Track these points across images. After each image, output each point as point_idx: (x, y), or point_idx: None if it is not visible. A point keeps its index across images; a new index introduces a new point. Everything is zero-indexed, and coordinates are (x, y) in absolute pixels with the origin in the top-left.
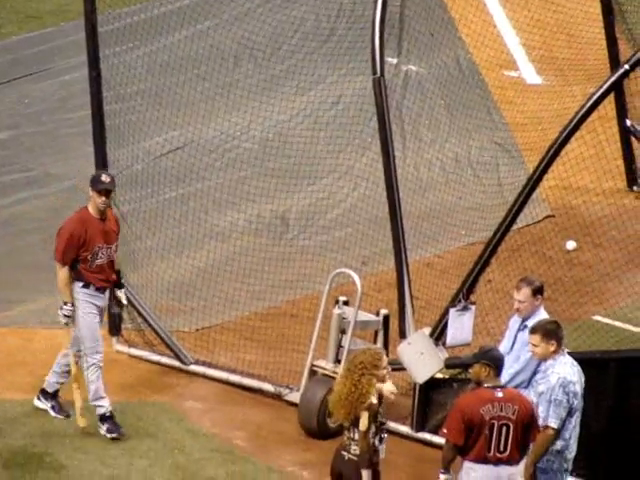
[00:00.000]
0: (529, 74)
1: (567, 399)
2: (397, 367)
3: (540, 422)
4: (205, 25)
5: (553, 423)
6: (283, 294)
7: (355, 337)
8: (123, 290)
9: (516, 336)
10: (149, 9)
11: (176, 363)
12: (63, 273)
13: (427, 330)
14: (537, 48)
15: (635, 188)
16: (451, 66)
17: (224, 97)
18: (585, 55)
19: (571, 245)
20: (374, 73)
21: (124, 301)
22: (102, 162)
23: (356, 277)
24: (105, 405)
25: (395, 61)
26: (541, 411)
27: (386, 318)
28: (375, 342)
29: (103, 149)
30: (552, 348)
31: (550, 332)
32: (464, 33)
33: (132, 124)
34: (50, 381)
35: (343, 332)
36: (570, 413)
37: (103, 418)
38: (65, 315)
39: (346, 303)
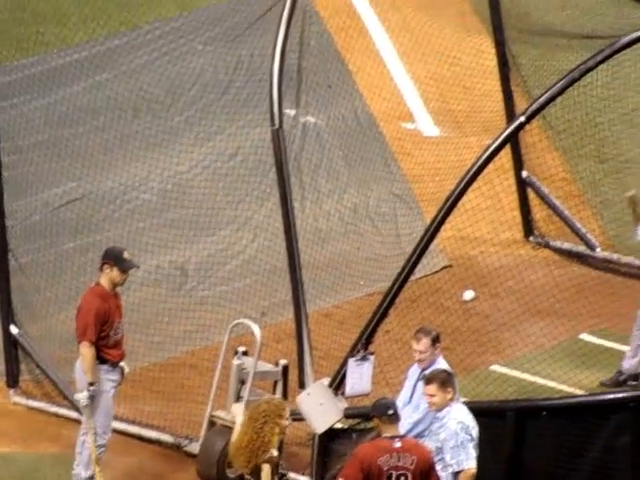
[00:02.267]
0: (426, 126)
1: (471, 438)
2: (297, 417)
3: (455, 468)
4: (103, 77)
5: (471, 463)
6: (182, 345)
7: (254, 387)
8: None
9: (415, 386)
10: (47, 61)
11: (74, 414)
12: (91, 352)
13: (326, 380)
14: (434, 100)
15: (531, 239)
16: (349, 118)
17: (123, 148)
18: (481, 107)
19: (469, 295)
20: (272, 124)
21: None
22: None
23: (255, 328)
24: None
25: (293, 113)
26: (450, 458)
27: (285, 368)
28: (274, 392)
29: (1, 200)
30: (449, 396)
31: (446, 381)
32: (362, 85)
33: (30, 175)
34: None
35: (242, 382)
36: None
37: None
38: (91, 396)
39: (245, 353)
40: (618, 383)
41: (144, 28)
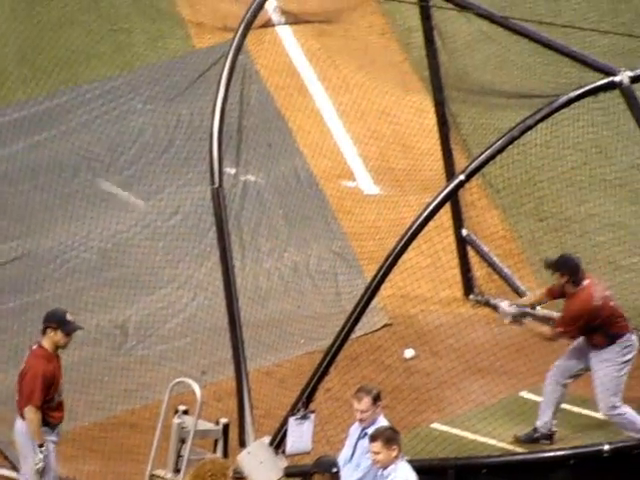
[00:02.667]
0: (366, 184)
1: None
2: (238, 476)
3: None
4: (43, 136)
5: None
6: (122, 404)
7: (195, 446)
8: None
9: (356, 444)
10: None
11: (14, 474)
12: (38, 416)
13: (267, 439)
14: (374, 159)
15: (471, 297)
16: (289, 176)
17: (62, 207)
18: (421, 165)
19: (409, 353)
20: (212, 183)
21: None
22: None
23: (196, 386)
24: None
25: (233, 171)
26: None
27: (226, 427)
28: (215, 451)
29: None
30: (394, 454)
31: (391, 438)
32: (302, 144)
33: None
34: None
35: (183, 441)
36: None
37: None
38: (45, 457)
39: (186, 412)
40: (533, 440)
41: (84, 87)
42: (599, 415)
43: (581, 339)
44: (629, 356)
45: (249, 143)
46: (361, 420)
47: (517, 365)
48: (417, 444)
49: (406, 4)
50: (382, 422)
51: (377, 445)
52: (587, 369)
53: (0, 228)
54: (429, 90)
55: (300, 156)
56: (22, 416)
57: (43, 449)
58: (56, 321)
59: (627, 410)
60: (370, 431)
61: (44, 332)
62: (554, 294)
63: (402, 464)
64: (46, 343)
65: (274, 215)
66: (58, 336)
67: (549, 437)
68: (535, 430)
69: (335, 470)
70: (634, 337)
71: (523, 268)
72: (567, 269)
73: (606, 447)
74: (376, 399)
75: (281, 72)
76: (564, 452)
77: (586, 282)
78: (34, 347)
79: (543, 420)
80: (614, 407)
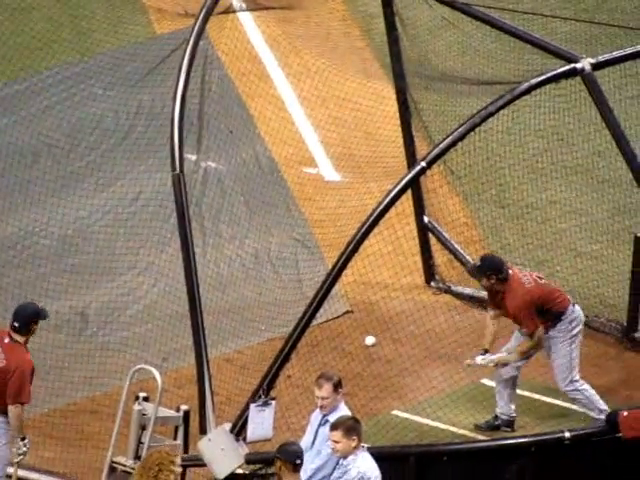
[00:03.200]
0: (327, 171)
1: None
2: (198, 463)
3: None
4: (3, 122)
5: None
6: (83, 390)
7: (155, 433)
8: None
9: (317, 431)
10: None
11: None
12: (22, 411)
13: (227, 426)
14: (335, 145)
15: (433, 284)
16: (250, 163)
17: (23, 193)
18: (383, 152)
19: (370, 340)
20: (173, 170)
21: None
22: None
23: (156, 373)
24: None
25: (194, 158)
26: None
27: (186, 414)
28: (175, 438)
29: None
30: (354, 444)
31: (351, 428)
32: (263, 130)
33: None
34: None
35: (143, 428)
36: None
37: None
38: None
39: (146, 399)
40: (493, 427)
41: (44, 73)
42: (560, 402)
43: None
44: (577, 329)
45: (210, 129)
46: (322, 407)
47: (478, 352)
48: (378, 431)
49: None
50: (343, 409)
51: (337, 434)
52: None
53: None
54: (390, 77)
55: (261, 143)
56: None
57: (26, 441)
58: (37, 316)
59: (586, 387)
60: (331, 418)
61: (30, 330)
62: (495, 304)
63: (363, 454)
64: (23, 338)
65: (235, 202)
66: (35, 328)
67: (510, 424)
68: (496, 417)
69: (299, 462)
70: (577, 308)
71: None
72: (491, 269)
73: (567, 434)
74: (337, 386)
75: (242, 58)
76: (525, 439)
77: (510, 273)
78: (7, 341)
79: (501, 406)
80: (572, 382)
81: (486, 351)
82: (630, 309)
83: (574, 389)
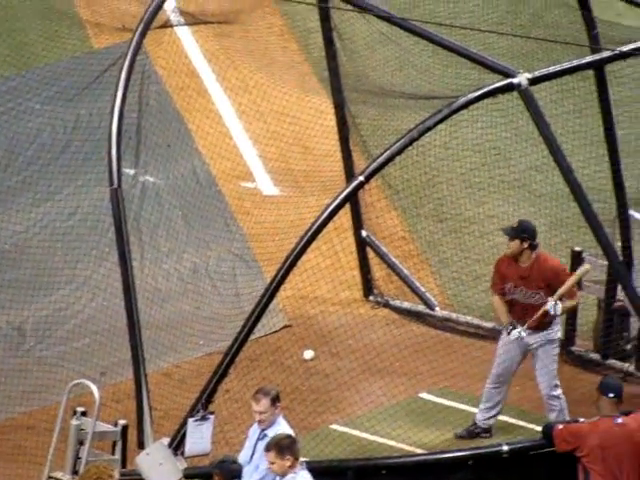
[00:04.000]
0: (266, 185)
1: None
2: (136, 478)
3: None
4: None
5: None
6: (20, 405)
7: (93, 448)
8: None
9: (255, 446)
10: None
11: None
12: None
13: (166, 440)
14: (273, 160)
15: (371, 298)
16: (188, 177)
17: None
18: (321, 167)
19: (309, 354)
20: (111, 184)
21: None
22: None
23: (94, 388)
24: None
25: (132, 172)
26: None
27: (124, 429)
28: (113, 453)
29: None
30: (288, 463)
31: (284, 448)
32: (201, 145)
33: None
34: None
35: (81, 443)
36: None
37: None
38: None
39: (84, 414)
40: (472, 434)
41: None
42: (499, 417)
43: (511, 336)
44: (560, 333)
45: (148, 144)
46: (260, 421)
47: (416, 366)
48: (316, 445)
49: (305, 5)
50: (281, 423)
51: (271, 455)
52: (521, 362)
53: None
54: (329, 91)
55: (199, 157)
56: None
57: None
58: None
59: (563, 397)
60: (269, 432)
61: None
62: (501, 289)
63: (302, 473)
64: None
65: (173, 216)
66: None
67: (488, 430)
68: (474, 425)
69: (237, 477)
70: None
71: (422, 269)
72: (528, 233)
73: (505, 448)
74: (275, 400)
75: (180, 73)
76: (463, 453)
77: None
78: None
79: (483, 415)
80: (556, 386)
81: (512, 325)
82: (568, 323)
83: (556, 395)
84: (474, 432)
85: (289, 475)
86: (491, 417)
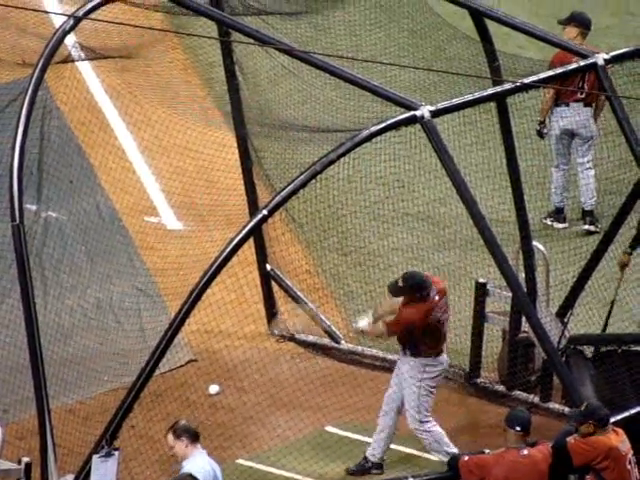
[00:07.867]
0: (169, 220)
1: None
2: None
3: None
4: None
5: None
6: None
7: None
8: None
9: None
10: None
11: None
12: None
13: (70, 477)
14: (177, 194)
15: (276, 332)
16: (91, 212)
17: None
18: (225, 201)
19: (214, 389)
20: (13, 220)
21: None
22: None
23: None
24: None
25: (34, 208)
26: None
27: (28, 466)
28: None
29: None
30: None
31: None
32: (104, 180)
33: None
34: None
35: None
36: None
37: None
38: None
39: None
40: (364, 470)
41: None
42: (405, 449)
43: (402, 361)
44: (428, 375)
45: (50, 179)
46: (172, 456)
47: (322, 399)
48: None
49: (207, 39)
50: (198, 457)
51: None
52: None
53: None
54: (231, 125)
55: (102, 192)
56: None
57: None
58: None
59: (436, 429)
60: (185, 465)
61: None
62: None
63: None
64: None
65: (76, 251)
66: None
67: (380, 466)
68: (366, 460)
69: None
70: (443, 359)
71: (327, 302)
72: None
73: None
74: (179, 434)
75: (82, 108)
76: None
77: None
78: None
79: (376, 450)
80: (422, 422)
81: None
82: (472, 355)
83: (423, 430)
84: (365, 467)
85: None
86: (382, 451)
